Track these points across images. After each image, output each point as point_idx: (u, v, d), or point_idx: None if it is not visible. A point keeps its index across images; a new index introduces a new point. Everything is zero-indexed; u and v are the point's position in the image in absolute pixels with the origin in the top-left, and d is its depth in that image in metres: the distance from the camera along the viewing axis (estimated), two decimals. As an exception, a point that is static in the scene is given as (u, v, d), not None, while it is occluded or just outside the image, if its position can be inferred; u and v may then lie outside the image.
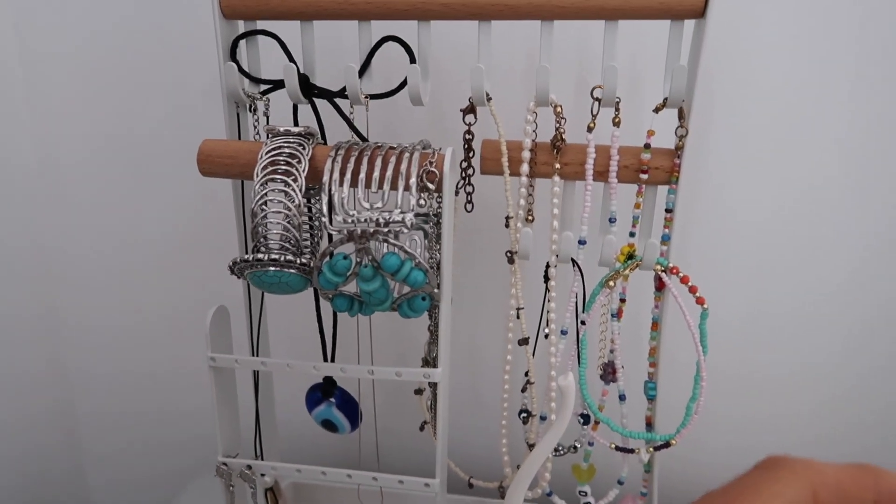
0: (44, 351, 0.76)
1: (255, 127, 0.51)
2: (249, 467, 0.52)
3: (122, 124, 0.69)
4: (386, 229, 0.42)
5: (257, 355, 0.56)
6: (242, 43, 0.50)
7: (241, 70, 0.49)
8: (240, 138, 0.51)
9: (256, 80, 0.50)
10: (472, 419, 0.71)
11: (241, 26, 0.50)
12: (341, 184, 0.43)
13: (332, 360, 0.55)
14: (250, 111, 0.51)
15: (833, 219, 0.60)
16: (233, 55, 0.49)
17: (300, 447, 0.73)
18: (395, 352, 0.70)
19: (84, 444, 0.82)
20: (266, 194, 0.43)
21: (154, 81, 0.67)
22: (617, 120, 0.46)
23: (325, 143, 0.49)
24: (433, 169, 0.43)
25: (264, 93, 0.51)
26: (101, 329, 0.77)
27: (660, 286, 0.50)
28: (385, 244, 0.43)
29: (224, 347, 0.52)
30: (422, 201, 0.43)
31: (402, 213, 0.41)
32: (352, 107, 0.50)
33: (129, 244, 0.73)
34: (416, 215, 0.43)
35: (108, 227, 0.73)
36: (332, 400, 0.55)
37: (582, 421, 0.53)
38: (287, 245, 0.44)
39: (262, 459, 0.58)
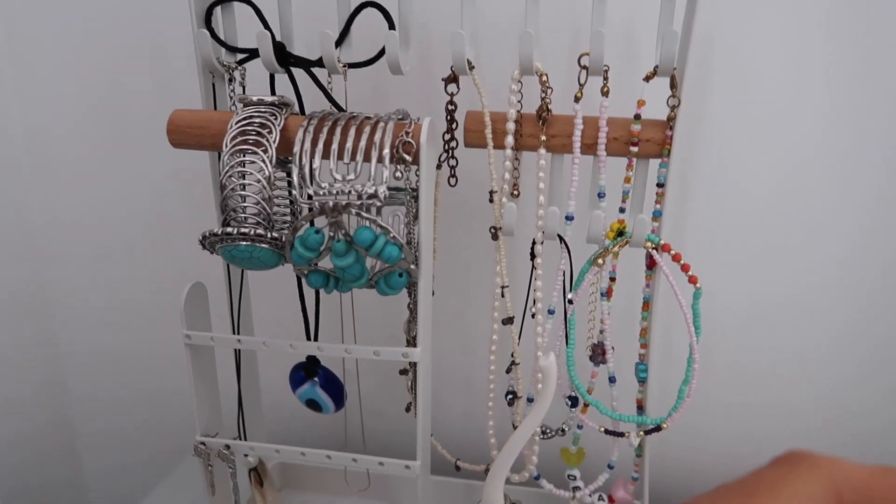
0: (34, 330, 0.75)
1: (232, 98, 0.50)
2: (228, 447, 0.51)
3: (107, 97, 0.67)
4: (359, 202, 0.40)
5: (238, 334, 0.55)
6: (218, 11, 0.48)
7: (214, 38, 0.47)
8: (216, 109, 0.50)
9: (231, 49, 0.49)
10: (461, 401, 0.70)
11: (217, -8, 0.48)
12: (313, 155, 0.41)
13: (316, 340, 0.54)
14: (228, 81, 0.50)
15: (832, 202, 0.57)
16: (208, 23, 0.48)
17: (290, 429, 0.72)
18: (387, 333, 0.68)
19: (77, 425, 0.82)
20: (234, 166, 0.41)
21: (140, 53, 0.65)
22: (605, 89, 0.44)
23: (302, 115, 0.48)
24: (409, 139, 0.41)
25: (241, 62, 0.49)
26: (93, 308, 0.76)
27: (651, 264, 0.48)
28: (360, 218, 0.41)
29: (202, 325, 0.51)
30: (398, 174, 0.42)
31: (374, 185, 0.40)
32: (329, 76, 0.48)
33: (118, 220, 0.72)
34: (392, 188, 0.42)
35: (96, 204, 0.72)
36: (316, 379, 0.54)
37: (570, 403, 0.52)
38: (258, 219, 0.42)
39: (245, 440, 0.57)
